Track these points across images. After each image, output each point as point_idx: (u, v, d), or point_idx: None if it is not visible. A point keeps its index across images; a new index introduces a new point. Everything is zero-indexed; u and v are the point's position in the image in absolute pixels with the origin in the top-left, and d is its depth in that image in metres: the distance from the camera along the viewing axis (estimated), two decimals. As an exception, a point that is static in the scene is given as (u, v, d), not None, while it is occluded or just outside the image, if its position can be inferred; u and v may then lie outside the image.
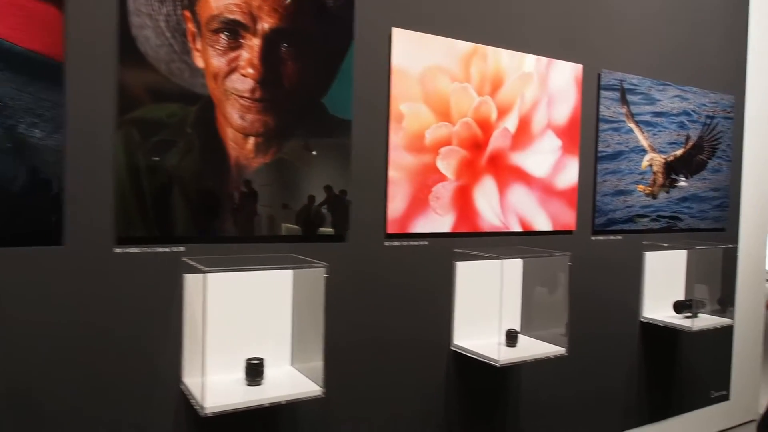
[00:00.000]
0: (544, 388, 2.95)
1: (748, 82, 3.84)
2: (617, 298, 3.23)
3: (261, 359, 1.98)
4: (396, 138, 2.40)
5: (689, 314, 3.28)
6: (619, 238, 3.21)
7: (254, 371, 1.93)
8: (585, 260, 3.04)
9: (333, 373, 2.10)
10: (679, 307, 3.25)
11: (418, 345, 2.52)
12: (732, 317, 3.29)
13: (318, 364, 1.95)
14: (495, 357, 2.36)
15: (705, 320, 3.29)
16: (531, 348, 2.57)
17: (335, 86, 2.25)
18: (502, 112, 2.69)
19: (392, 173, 2.40)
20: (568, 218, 2.96)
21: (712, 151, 3.61)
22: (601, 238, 3.12)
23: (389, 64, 2.38)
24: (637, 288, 3.31)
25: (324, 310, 1.94)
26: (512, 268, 2.78)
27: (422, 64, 2.45)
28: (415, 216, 2.47)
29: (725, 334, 3.56)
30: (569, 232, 2.98)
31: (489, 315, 2.68)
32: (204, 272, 1.78)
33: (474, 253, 2.50)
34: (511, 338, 2.57)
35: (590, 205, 3.07)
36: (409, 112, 2.43)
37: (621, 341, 3.26)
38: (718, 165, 3.66)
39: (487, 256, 2.41)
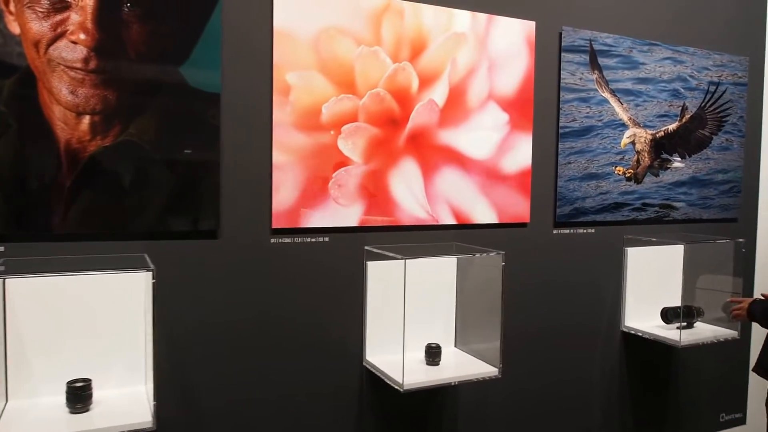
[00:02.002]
0: (483, 417, 2.70)
1: (768, 40, 3.44)
2: (591, 304, 2.94)
3: (88, 380, 1.82)
4: (281, 114, 2.19)
5: (682, 324, 2.95)
6: (592, 231, 2.91)
7: (77, 396, 1.78)
8: (545, 258, 2.78)
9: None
10: (666, 315, 2.94)
11: (323, 363, 2.32)
12: (737, 329, 2.94)
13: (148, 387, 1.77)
14: (398, 380, 2.12)
15: (701, 332, 2.97)
16: (454, 367, 2.33)
17: (197, 53, 2.06)
18: (426, 81, 2.44)
19: (278, 156, 2.19)
20: (519, 208, 2.69)
21: (717, 124, 3.26)
22: (566, 231, 2.84)
23: (270, 25, 2.16)
24: (617, 292, 3.00)
25: (153, 322, 1.75)
26: (444, 269, 2.53)
27: (316, 25, 2.23)
28: (310, 207, 2.26)
29: (740, 347, 3.21)
30: (522, 225, 2.72)
31: (411, 325, 2.44)
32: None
33: (383, 252, 2.27)
34: (432, 355, 2.32)
35: (550, 192, 2.78)
36: (299, 83, 2.21)
37: (596, 356, 2.98)
38: (726, 142, 3.31)
39: (389, 255, 2.17)
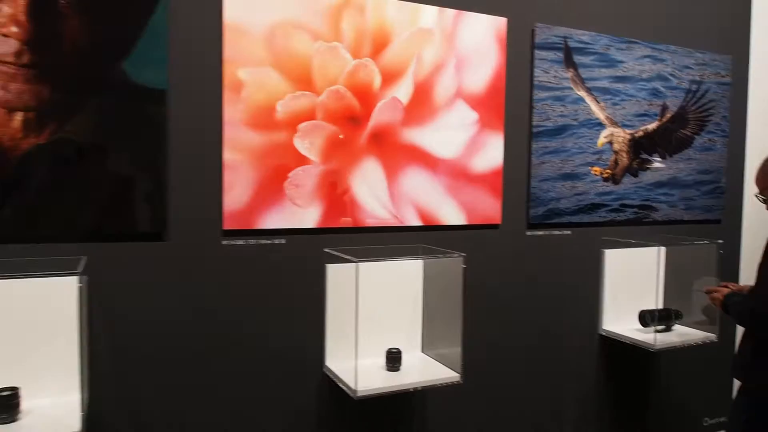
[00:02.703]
0: (453, 425, 2.50)
1: (753, 38, 3.23)
2: (567, 307, 2.75)
3: (15, 389, 1.65)
4: (233, 111, 2.02)
5: (659, 327, 2.75)
6: (568, 232, 2.71)
7: (2, 406, 1.61)
8: (518, 261, 2.59)
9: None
10: (644, 318, 2.73)
11: (281, 370, 2.16)
12: (716, 331, 2.73)
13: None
14: (352, 386, 1.94)
15: (680, 335, 2.75)
16: (416, 373, 2.14)
17: (141, 47, 1.89)
18: (389, 78, 2.26)
19: (229, 155, 2.02)
20: (490, 209, 2.50)
21: (699, 124, 3.05)
22: (540, 233, 2.64)
23: (220, 18, 1.99)
24: (594, 295, 2.80)
25: (80, 329, 1.58)
26: (409, 272, 2.35)
27: (269, 19, 2.06)
28: (265, 208, 2.08)
29: (723, 349, 2.99)
30: (494, 227, 2.52)
31: (374, 329, 2.27)
32: None
33: (339, 254, 2.08)
34: (392, 360, 2.14)
35: (523, 192, 2.59)
36: (252, 80, 2.04)
37: (572, 361, 2.77)
38: (709, 142, 3.09)
39: (345, 257, 1.99)
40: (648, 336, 2.66)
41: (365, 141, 2.25)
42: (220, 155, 2.02)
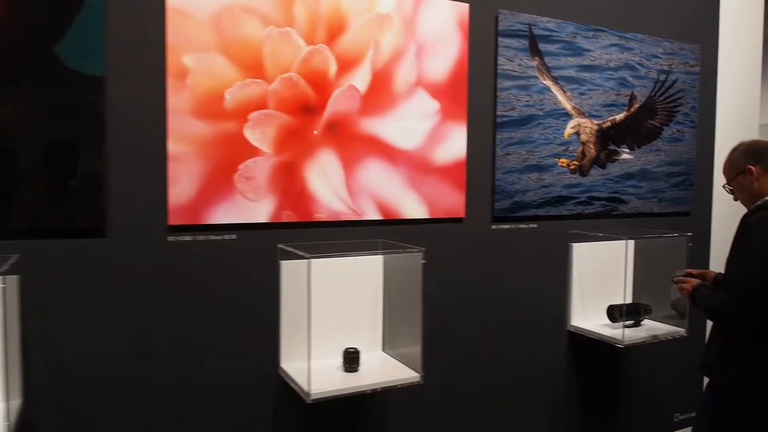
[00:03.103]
0: (418, 425, 2.43)
1: (722, 27, 3.19)
2: (535, 303, 2.69)
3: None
4: (178, 100, 1.91)
5: (627, 322, 2.70)
6: (534, 226, 2.65)
7: None
8: (483, 255, 2.53)
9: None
10: (612, 313, 2.68)
11: (234, 372, 2.06)
12: (685, 326, 2.69)
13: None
14: (305, 389, 1.85)
15: (649, 330, 2.71)
16: (374, 374, 2.06)
17: (74, 31, 1.78)
18: (346, 65, 2.17)
19: (174, 146, 1.91)
20: (453, 202, 2.42)
21: (668, 114, 3.00)
22: (505, 226, 2.57)
23: (163, 1, 1.88)
24: (562, 289, 2.74)
25: (4, 332, 1.47)
26: (369, 267, 2.26)
27: (216, 3, 1.95)
28: (213, 202, 1.98)
29: (695, 344, 2.95)
30: (457, 220, 2.44)
31: (332, 328, 2.18)
32: None
33: (293, 250, 1.99)
34: (350, 360, 2.05)
35: (488, 185, 2.51)
36: (198, 66, 1.93)
37: (541, 358, 2.71)
38: (678, 133, 3.05)
39: (298, 254, 1.90)
40: (616, 332, 2.61)
41: (321, 131, 2.16)
42: (164, 146, 1.92)
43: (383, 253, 2.21)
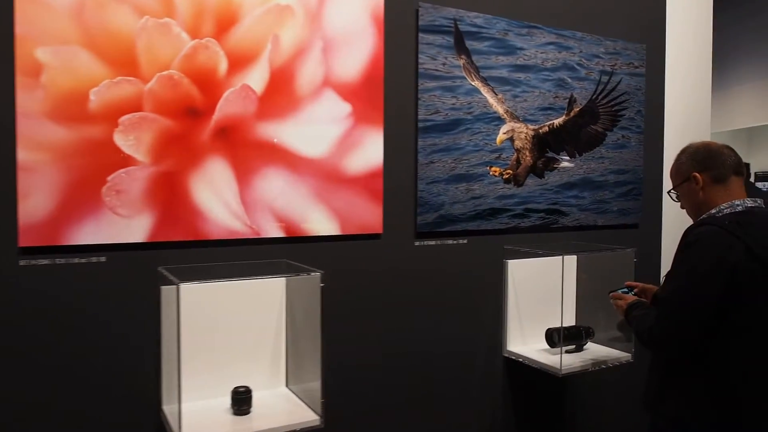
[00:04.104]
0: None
1: (669, 26, 3.10)
2: (467, 327, 2.54)
3: None
4: (30, 101, 1.71)
5: (564, 347, 2.55)
6: (464, 241, 2.49)
7: None
8: (406, 275, 2.37)
9: None
10: (551, 337, 2.53)
11: (106, 415, 1.85)
12: (632, 350, 2.56)
13: None
14: (178, 436, 1.65)
15: (593, 355, 2.57)
16: (268, 416, 1.87)
17: None
18: (238, 62, 1.98)
19: (25, 154, 1.71)
20: (369, 217, 2.25)
21: (612, 119, 2.89)
22: (431, 243, 2.41)
23: (10, -14, 1.67)
24: (497, 311, 2.59)
25: None
26: (270, 293, 2.07)
27: (77, -12, 1.75)
28: (77, 220, 1.78)
29: (641, 369, 2.81)
30: (374, 237, 2.27)
31: (228, 362, 1.99)
32: None
33: (166, 274, 1.78)
34: (239, 402, 1.85)
35: (409, 197, 2.35)
36: (55, 62, 1.74)
37: (474, 388, 2.55)
38: (623, 138, 2.94)
39: (170, 278, 1.70)
40: (555, 358, 2.45)
41: (209, 137, 1.97)
42: (12, 155, 1.71)
43: (280, 277, 2.02)
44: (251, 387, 1.93)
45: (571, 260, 2.80)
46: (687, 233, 1.78)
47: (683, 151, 1.94)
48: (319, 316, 1.83)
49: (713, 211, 1.81)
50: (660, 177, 3.12)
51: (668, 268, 2.77)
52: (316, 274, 1.83)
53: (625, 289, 2.18)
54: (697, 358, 1.73)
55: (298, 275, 1.92)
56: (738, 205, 1.79)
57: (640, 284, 2.18)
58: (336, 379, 2.19)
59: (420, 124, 2.37)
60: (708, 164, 1.85)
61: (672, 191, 1.97)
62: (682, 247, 1.78)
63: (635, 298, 2.05)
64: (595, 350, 2.64)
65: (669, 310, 1.72)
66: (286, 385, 2.12)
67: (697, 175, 1.84)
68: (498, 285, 2.61)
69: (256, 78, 2.04)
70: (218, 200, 1.99)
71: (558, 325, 2.63)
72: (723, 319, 1.68)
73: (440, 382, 2.48)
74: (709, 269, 1.67)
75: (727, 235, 1.69)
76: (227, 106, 1.99)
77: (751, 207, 1.79)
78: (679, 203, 1.97)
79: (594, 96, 2.84)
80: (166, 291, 1.89)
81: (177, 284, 1.65)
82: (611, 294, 2.14)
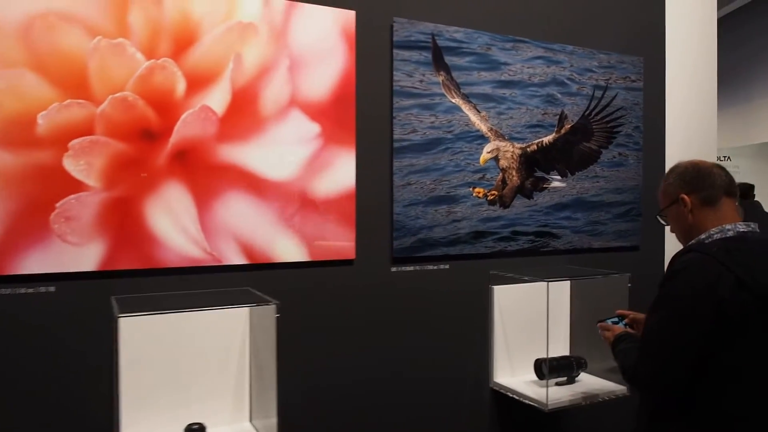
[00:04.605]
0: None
1: (669, 36, 3.01)
2: (451, 357, 2.45)
3: None
4: (-28, 125, 1.67)
5: (561, 378, 2.44)
6: (445, 267, 2.40)
7: None
8: (381, 303, 2.30)
9: None
10: (540, 368, 2.42)
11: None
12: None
13: None
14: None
15: (586, 387, 2.45)
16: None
17: None
18: (197, 83, 1.95)
19: (-33, 181, 1.66)
20: (340, 241, 2.18)
21: (607, 136, 2.80)
22: (408, 268, 2.33)
23: (-48, 8, 1.65)
24: (483, 340, 2.49)
25: None
26: (236, 324, 2.01)
27: (25, 9, 1.75)
28: (23, 248, 1.75)
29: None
30: (346, 263, 2.20)
31: (189, 397, 1.92)
32: None
33: (114, 305, 1.73)
34: (193, 438, 1.78)
35: (384, 220, 2.28)
36: (0, 85, 1.69)
37: (460, 422, 2.45)
38: (619, 156, 2.84)
39: (113, 310, 1.64)
40: (543, 391, 2.34)
41: (166, 160, 1.92)
42: (-47, 181, 1.67)
43: (216, 309, 1.96)
44: (212, 423, 1.86)
45: (564, 286, 2.69)
46: (673, 260, 1.67)
47: (671, 171, 1.83)
48: (274, 349, 1.76)
49: (702, 236, 1.70)
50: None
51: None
52: (271, 305, 1.76)
53: (615, 319, 2.06)
54: (686, 401, 1.60)
55: (257, 305, 1.85)
56: (729, 230, 1.67)
57: (632, 313, 2.06)
58: (309, 411, 2.12)
59: (395, 144, 2.30)
60: (697, 185, 1.73)
61: (660, 214, 1.86)
62: (666, 276, 1.67)
63: (623, 329, 1.93)
64: (588, 382, 2.52)
65: (651, 348, 1.60)
66: (250, 421, 2.04)
67: (686, 197, 1.73)
68: (484, 312, 2.52)
69: (217, 99, 2.00)
70: (175, 226, 1.94)
71: (550, 354, 2.52)
72: (712, 358, 1.56)
73: (422, 417, 2.38)
74: (695, 302, 1.55)
75: (715, 264, 1.56)
76: (185, 128, 1.95)
77: (743, 232, 1.67)
78: (668, 227, 1.86)
79: (587, 112, 2.75)
80: (126, 323, 1.83)
81: (116, 317, 1.58)
82: (599, 324, 2.03)
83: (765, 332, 1.53)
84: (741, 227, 1.66)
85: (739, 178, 9.67)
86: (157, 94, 1.91)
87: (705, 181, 1.71)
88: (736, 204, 1.77)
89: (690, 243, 1.71)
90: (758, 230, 1.69)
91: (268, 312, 1.80)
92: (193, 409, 1.94)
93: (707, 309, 1.52)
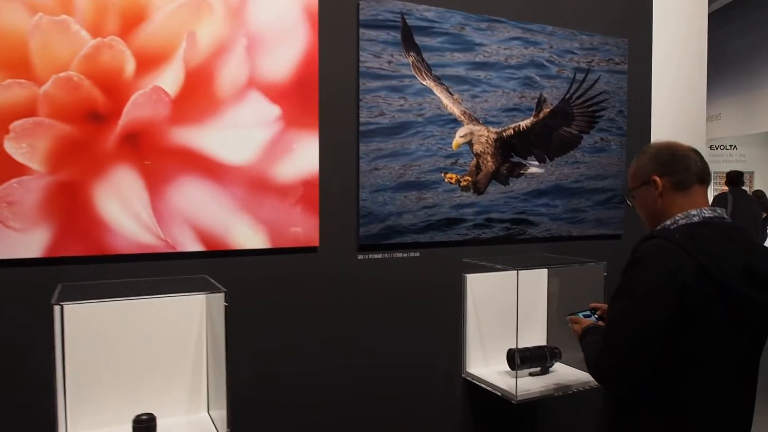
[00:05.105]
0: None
1: (656, 17, 2.89)
2: (421, 347, 2.38)
3: None
4: None
5: (534, 369, 2.36)
6: (416, 254, 2.32)
7: None
8: (348, 291, 2.23)
9: None
10: (512, 358, 2.34)
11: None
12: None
13: None
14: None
15: (559, 378, 2.37)
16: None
17: None
18: (148, 62, 1.86)
19: None
20: (303, 228, 2.10)
21: (588, 120, 2.69)
22: (376, 256, 2.25)
23: None
24: (456, 329, 2.41)
25: None
26: (192, 312, 1.93)
27: (-39, -16, 1.64)
28: (-39, 234, 1.65)
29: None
30: (310, 250, 2.11)
31: (143, 387, 1.85)
32: None
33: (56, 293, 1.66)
34: (141, 431, 1.71)
35: (351, 206, 2.19)
36: (-66, 63, 1.62)
37: (430, 413, 2.38)
38: (602, 142, 2.74)
39: (54, 298, 1.57)
40: (513, 382, 2.26)
41: (115, 144, 1.84)
42: None
43: (167, 296, 1.89)
44: (167, 413, 1.79)
45: (541, 275, 2.60)
46: (636, 247, 1.58)
47: (645, 151, 1.71)
48: (223, 338, 1.68)
49: (668, 222, 1.61)
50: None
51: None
52: (220, 293, 1.68)
53: (587, 312, 1.97)
54: (648, 392, 1.52)
55: (205, 293, 1.77)
56: (694, 216, 1.58)
57: (605, 305, 1.97)
58: (270, 403, 2.05)
59: (362, 128, 2.21)
60: (671, 168, 1.63)
61: (629, 195, 1.75)
62: (628, 264, 1.57)
63: (593, 322, 1.84)
64: (563, 373, 2.44)
65: (613, 340, 1.51)
66: (208, 411, 1.97)
67: (657, 179, 1.62)
68: (457, 301, 2.43)
69: (170, 79, 1.91)
70: (126, 212, 1.86)
71: (524, 344, 2.44)
72: (674, 346, 1.47)
73: (392, 409, 2.31)
74: (656, 290, 1.46)
75: (678, 250, 1.48)
76: (135, 110, 1.86)
77: (709, 217, 1.57)
78: (635, 209, 1.76)
79: (567, 95, 2.64)
80: (72, 310, 1.76)
81: (61, 305, 1.51)
82: (569, 317, 1.94)
83: (727, 321, 1.45)
84: (707, 212, 1.57)
85: (745, 167, 9.53)
86: (105, 74, 1.83)
87: (680, 165, 1.61)
88: (706, 192, 1.68)
89: (655, 230, 1.62)
90: (725, 216, 1.60)
91: (220, 300, 1.72)
92: (145, 400, 1.87)
93: (669, 297, 1.44)
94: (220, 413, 1.85)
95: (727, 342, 1.47)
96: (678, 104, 2.97)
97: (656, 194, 1.62)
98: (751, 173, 9.70)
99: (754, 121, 7.87)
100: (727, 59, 7.80)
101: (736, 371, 1.50)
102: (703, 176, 1.64)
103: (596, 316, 1.93)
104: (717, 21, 6.10)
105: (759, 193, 7.52)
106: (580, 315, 1.92)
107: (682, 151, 1.64)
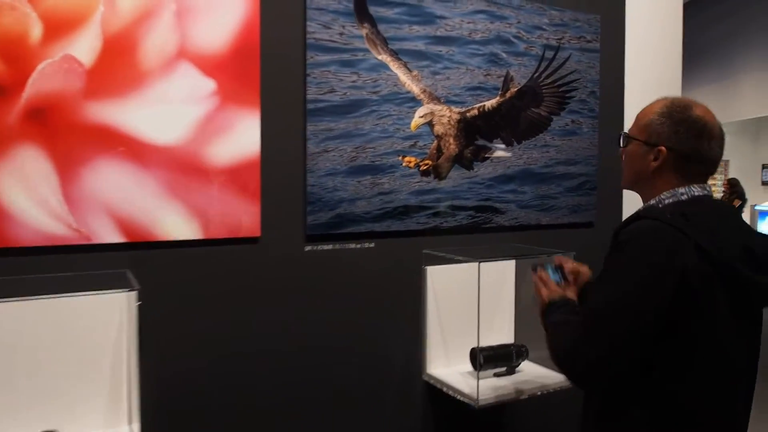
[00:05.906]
0: None
1: (629, -6, 2.69)
2: (378, 347, 2.16)
3: None
4: None
5: (500, 369, 2.16)
6: (370, 245, 2.10)
7: None
8: (294, 286, 2.00)
9: None
10: (475, 358, 2.13)
11: None
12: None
13: None
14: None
15: (525, 379, 2.16)
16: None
17: None
18: (58, 27, 1.62)
19: None
20: (242, 216, 1.86)
21: (558, 101, 2.49)
22: (326, 247, 2.02)
23: None
24: (415, 327, 2.19)
25: None
26: (111, 312, 1.69)
27: None
28: None
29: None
30: (250, 241, 1.88)
31: (59, 396, 1.61)
32: None
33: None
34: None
35: (297, 192, 1.96)
36: None
37: (387, 419, 2.16)
38: (573, 124, 2.53)
39: None
40: (484, 382, 2.05)
41: (17, 120, 1.59)
42: None
43: (78, 295, 1.63)
44: (81, 428, 1.56)
45: (509, 267, 2.40)
46: (617, 233, 1.36)
47: (672, 106, 1.39)
48: (136, 345, 1.44)
49: (652, 201, 1.40)
50: (619, 167, 2.69)
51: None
52: (124, 293, 1.44)
53: (554, 271, 1.66)
54: (638, 393, 1.31)
55: (129, 291, 1.53)
56: (682, 194, 1.37)
57: (574, 264, 1.70)
58: (206, 410, 1.82)
59: (309, 105, 1.98)
60: (688, 150, 1.37)
61: (627, 138, 1.48)
62: (612, 250, 1.35)
63: (561, 291, 1.57)
64: (530, 372, 2.24)
65: (598, 330, 1.28)
66: (129, 424, 1.73)
67: (664, 150, 1.38)
68: (416, 296, 2.21)
69: (84, 47, 1.66)
70: (31, 198, 1.62)
71: (489, 341, 2.23)
72: (671, 339, 1.27)
73: (346, 415, 2.09)
74: (653, 273, 1.25)
75: (672, 230, 1.27)
76: (43, 81, 1.61)
77: (699, 196, 1.38)
78: (623, 151, 1.50)
79: (536, 74, 2.43)
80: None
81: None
82: (537, 271, 1.63)
83: (727, 305, 1.27)
84: (696, 190, 1.37)
85: (718, 156, 9.52)
86: (5, 40, 1.58)
87: (699, 153, 1.38)
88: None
89: (637, 210, 1.41)
90: (711, 193, 1.41)
91: (131, 299, 1.48)
92: (53, 415, 1.62)
93: (669, 281, 1.23)
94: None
95: (728, 327, 1.29)
96: (653, 85, 2.78)
97: (653, 164, 1.39)
98: (726, 161, 9.63)
99: (730, 110, 7.77)
100: (702, 48, 7.69)
101: (738, 361, 1.33)
102: (712, 170, 1.44)
103: (560, 274, 1.65)
104: (692, 9, 5.95)
105: (733, 181, 7.42)
106: (549, 271, 1.64)
107: (713, 135, 1.39)
